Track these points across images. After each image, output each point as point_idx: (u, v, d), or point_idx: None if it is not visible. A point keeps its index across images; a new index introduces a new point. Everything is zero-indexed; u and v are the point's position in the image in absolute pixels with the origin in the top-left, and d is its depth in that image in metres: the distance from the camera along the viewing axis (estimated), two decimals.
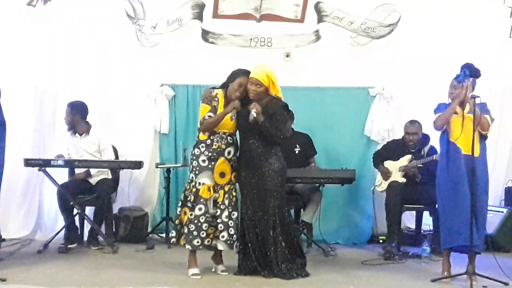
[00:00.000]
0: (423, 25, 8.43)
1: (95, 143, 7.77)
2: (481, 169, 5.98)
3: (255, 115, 5.95)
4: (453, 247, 6.12)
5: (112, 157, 7.85)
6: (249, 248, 6.14)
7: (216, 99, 6.17)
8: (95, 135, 7.79)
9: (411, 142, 7.77)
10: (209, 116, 6.12)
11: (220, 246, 6.17)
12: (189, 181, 6.25)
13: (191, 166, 6.26)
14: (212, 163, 6.13)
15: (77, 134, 7.80)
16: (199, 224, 6.06)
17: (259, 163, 6.14)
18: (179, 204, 6.28)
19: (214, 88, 6.30)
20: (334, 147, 8.52)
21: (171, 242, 6.39)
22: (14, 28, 8.27)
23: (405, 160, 7.68)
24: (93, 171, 7.80)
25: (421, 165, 7.59)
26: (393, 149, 7.92)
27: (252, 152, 6.15)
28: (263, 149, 6.15)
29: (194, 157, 6.21)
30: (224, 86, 6.26)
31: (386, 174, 7.75)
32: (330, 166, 8.20)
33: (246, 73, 6.17)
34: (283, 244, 6.11)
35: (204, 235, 6.07)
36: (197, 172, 6.16)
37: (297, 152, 7.98)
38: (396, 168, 7.70)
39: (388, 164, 7.81)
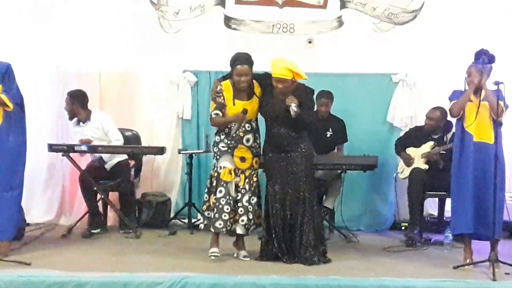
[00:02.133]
0: (446, 11, 8.35)
1: (99, 127, 7.77)
2: (497, 156, 5.94)
3: (296, 109, 5.97)
4: (472, 233, 6.13)
5: (117, 136, 7.80)
6: (272, 233, 6.17)
7: (220, 94, 6.20)
8: (97, 119, 7.79)
9: (426, 126, 7.75)
10: (216, 114, 6.20)
11: (239, 230, 6.20)
12: (213, 167, 6.32)
13: (213, 153, 6.32)
14: (232, 149, 6.19)
15: (80, 123, 7.82)
16: (220, 206, 6.10)
17: (290, 149, 6.18)
18: (205, 191, 6.33)
19: (224, 77, 6.33)
20: (357, 133, 8.49)
21: (199, 228, 6.46)
22: (38, 12, 8.34)
23: (427, 146, 7.64)
24: (105, 156, 7.84)
25: (443, 152, 7.55)
26: (415, 136, 7.88)
27: (283, 139, 6.18)
28: (293, 135, 6.18)
29: (215, 144, 6.29)
30: (230, 75, 6.29)
31: (408, 161, 7.73)
32: (352, 152, 8.18)
33: (242, 59, 6.19)
34: (309, 229, 6.13)
35: (226, 217, 6.11)
36: (218, 157, 6.23)
37: (328, 135, 7.96)
38: (418, 154, 7.67)
39: (411, 151, 7.78)
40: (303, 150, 6.20)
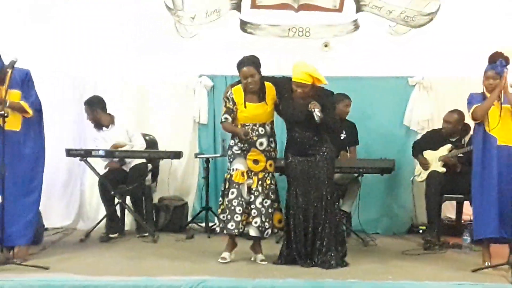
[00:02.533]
0: (463, 14, 8.30)
1: (122, 132, 7.82)
2: None
3: (319, 114, 5.99)
4: (492, 237, 6.10)
5: (142, 141, 7.89)
6: (292, 237, 6.16)
7: (230, 98, 6.29)
8: (121, 123, 7.86)
9: (443, 130, 7.72)
10: (226, 119, 6.30)
11: (252, 232, 6.21)
12: (227, 170, 6.36)
13: (227, 156, 6.39)
14: (245, 153, 6.22)
15: (103, 128, 7.85)
16: (232, 208, 6.15)
17: (312, 152, 6.19)
18: (220, 194, 6.35)
19: (238, 82, 6.40)
20: (373, 136, 8.48)
21: (216, 232, 6.53)
22: (54, 19, 8.39)
23: (445, 149, 7.61)
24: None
25: (461, 155, 7.52)
26: (432, 139, 7.85)
27: (305, 142, 6.19)
28: (315, 138, 6.19)
29: (229, 147, 6.36)
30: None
31: (425, 165, 7.70)
32: (369, 156, 8.18)
33: (247, 61, 6.30)
34: (330, 233, 6.13)
35: (238, 219, 6.14)
36: (231, 159, 6.29)
37: (342, 138, 7.96)
38: (436, 157, 7.64)
39: (428, 154, 7.75)
40: (325, 153, 6.20)
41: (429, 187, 7.51)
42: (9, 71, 5.94)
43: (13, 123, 6.07)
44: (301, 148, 6.20)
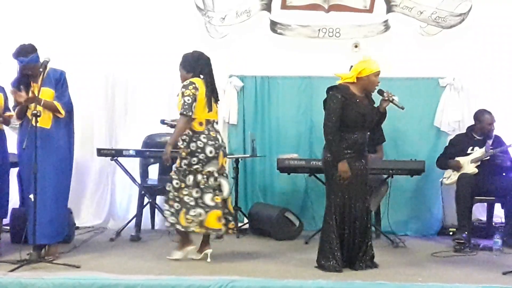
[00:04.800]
0: (494, 15, 8.26)
1: None
2: None
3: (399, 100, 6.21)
4: None
5: None
6: (334, 240, 6.03)
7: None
8: None
9: (485, 131, 7.67)
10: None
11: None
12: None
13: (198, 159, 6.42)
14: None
15: None
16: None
17: (365, 156, 6.23)
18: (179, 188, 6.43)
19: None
20: (403, 138, 8.44)
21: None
22: (87, 17, 8.48)
23: (478, 153, 7.55)
24: None
25: (487, 158, 7.49)
26: (458, 145, 7.78)
27: (364, 143, 6.21)
28: (367, 138, 6.25)
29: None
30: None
31: (458, 167, 7.63)
32: (399, 157, 8.14)
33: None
34: (370, 237, 6.18)
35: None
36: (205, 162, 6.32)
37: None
38: (467, 161, 7.58)
39: (459, 159, 7.68)
40: (366, 155, 6.25)
41: (459, 189, 7.46)
42: (42, 70, 6.02)
43: (44, 121, 6.15)
44: (361, 149, 6.15)
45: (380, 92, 6.27)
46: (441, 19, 8.40)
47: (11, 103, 6.49)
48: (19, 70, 6.18)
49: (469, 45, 8.36)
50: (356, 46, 8.58)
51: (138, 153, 7.67)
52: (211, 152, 6.23)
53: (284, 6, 8.57)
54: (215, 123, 6.45)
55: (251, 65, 8.64)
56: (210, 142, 6.25)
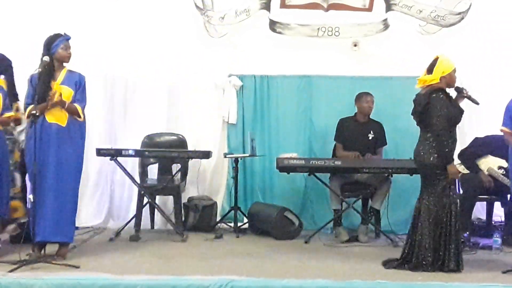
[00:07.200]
0: (494, 13, 8.25)
1: None
2: None
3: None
4: None
5: None
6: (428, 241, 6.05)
7: None
8: None
9: None
10: None
11: None
12: None
13: None
14: None
15: None
16: None
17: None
18: None
19: None
20: (403, 137, 8.41)
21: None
22: (85, 17, 8.45)
23: (502, 175, 7.33)
24: None
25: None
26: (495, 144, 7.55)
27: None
28: None
29: None
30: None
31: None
32: (398, 156, 8.13)
33: None
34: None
35: None
36: None
37: (370, 138, 7.97)
38: (491, 164, 7.48)
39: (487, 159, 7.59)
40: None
41: (465, 189, 7.42)
42: (42, 70, 6.05)
43: (60, 118, 6.23)
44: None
45: (459, 89, 6.28)
46: (440, 18, 8.39)
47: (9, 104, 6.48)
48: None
49: (469, 44, 8.34)
50: (355, 45, 8.58)
51: (137, 153, 7.66)
52: None
53: (283, 5, 8.56)
54: None
55: (251, 64, 8.64)
56: None
